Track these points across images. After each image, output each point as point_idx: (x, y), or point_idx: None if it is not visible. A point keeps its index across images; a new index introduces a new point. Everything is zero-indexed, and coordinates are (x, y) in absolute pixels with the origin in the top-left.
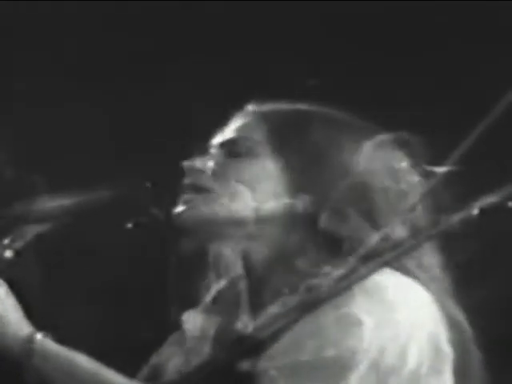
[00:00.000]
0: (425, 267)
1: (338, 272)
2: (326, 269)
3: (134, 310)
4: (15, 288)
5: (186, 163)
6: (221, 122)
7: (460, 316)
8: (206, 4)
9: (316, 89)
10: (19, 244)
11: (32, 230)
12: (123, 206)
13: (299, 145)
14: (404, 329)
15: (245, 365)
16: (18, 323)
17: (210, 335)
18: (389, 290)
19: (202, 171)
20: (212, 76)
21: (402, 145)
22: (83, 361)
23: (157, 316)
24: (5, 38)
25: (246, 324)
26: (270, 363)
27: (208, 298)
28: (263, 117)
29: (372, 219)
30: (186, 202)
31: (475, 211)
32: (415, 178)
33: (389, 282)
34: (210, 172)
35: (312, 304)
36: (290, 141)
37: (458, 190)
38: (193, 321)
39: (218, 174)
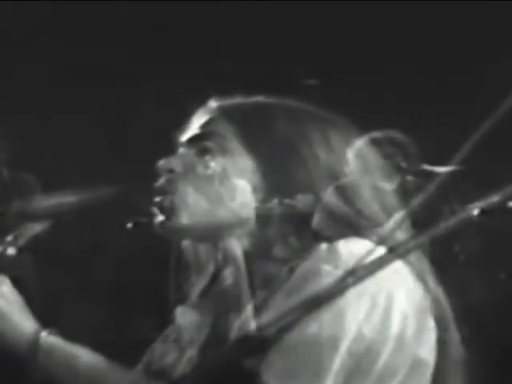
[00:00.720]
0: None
1: (339, 271)
2: (303, 254)
3: (134, 309)
4: (18, 285)
5: (159, 164)
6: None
7: (441, 294)
8: (205, 4)
9: (315, 88)
10: (22, 241)
11: (34, 228)
12: (123, 205)
13: (268, 139)
14: (383, 296)
15: (248, 362)
16: (24, 320)
17: (204, 330)
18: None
19: (174, 171)
20: (211, 75)
21: (393, 143)
22: (88, 357)
23: (157, 315)
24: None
25: (247, 322)
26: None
27: (196, 292)
28: (228, 112)
29: (364, 220)
30: (162, 209)
31: (476, 211)
32: (408, 178)
33: (365, 251)
34: (182, 171)
35: (316, 302)
36: (258, 136)
37: (460, 189)
38: (185, 315)
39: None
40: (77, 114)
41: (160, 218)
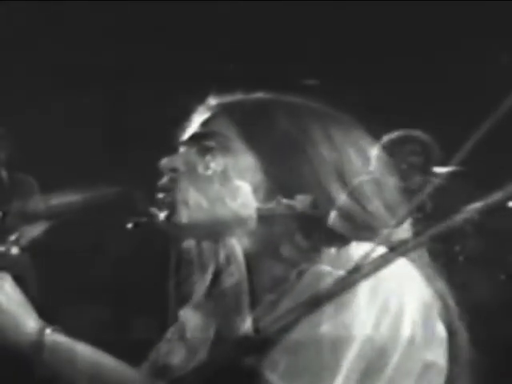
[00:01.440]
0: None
1: (342, 270)
2: (313, 255)
3: (134, 309)
4: (21, 283)
5: (161, 163)
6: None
7: (449, 296)
8: (203, 4)
9: (319, 89)
10: (25, 241)
11: (37, 228)
12: (123, 205)
13: (270, 136)
14: (394, 300)
15: (249, 362)
16: (27, 317)
17: (210, 330)
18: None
19: (176, 170)
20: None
21: (412, 142)
22: (93, 354)
23: (158, 315)
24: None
25: (247, 321)
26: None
27: (200, 293)
28: (228, 109)
29: (378, 219)
30: (166, 206)
31: (476, 212)
32: (422, 178)
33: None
34: (184, 170)
35: (317, 301)
36: (260, 133)
37: (461, 189)
38: (190, 317)
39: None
40: (76, 114)
41: (162, 214)
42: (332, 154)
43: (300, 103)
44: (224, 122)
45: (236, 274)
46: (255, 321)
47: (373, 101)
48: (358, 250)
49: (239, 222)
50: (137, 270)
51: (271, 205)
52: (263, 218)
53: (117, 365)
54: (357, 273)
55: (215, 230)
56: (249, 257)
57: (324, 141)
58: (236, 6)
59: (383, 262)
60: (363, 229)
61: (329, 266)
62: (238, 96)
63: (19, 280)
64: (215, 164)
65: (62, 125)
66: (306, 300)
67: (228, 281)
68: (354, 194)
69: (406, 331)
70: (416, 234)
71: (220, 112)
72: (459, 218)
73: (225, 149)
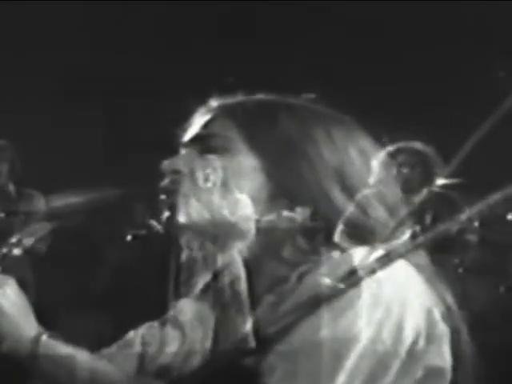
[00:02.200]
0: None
1: (342, 284)
2: (314, 257)
3: (133, 316)
4: (23, 286)
5: (163, 164)
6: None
7: (452, 302)
8: (202, 4)
9: (319, 93)
10: (28, 242)
11: (41, 229)
12: (123, 214)
13: (272, 137)
14: (397, 305)
15: (248, 363)
16: (26, 323)
17: (209, 323)
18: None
19: (178, 172)
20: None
21: (414, 154)
22: (91, 361)
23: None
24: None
25: (247, 322)
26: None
27: (198, 287)
28: (229, 111)
29: (379, 232)
30: (168, 207)
31: (476, 222)
32: (425, 189)
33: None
34: (186, 172)
35: (317, 301)
36: (261, 134)
37: (461, 195)
38: (186, 309)
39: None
40: (76, 118)
41: (165, 214)
42: (333, 155)
43: (301, 104)
44: (225, 124)
45: (234, 274)
46: (255, 322)
47: (371, 107)
48: (361, 255)
49: (238, 234)
50: (136, 278)
51: (271, 217)
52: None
53: (114, 370)
54: (356, 285)
55: (215, 236)
56: (249, 258)
57: (325, 142)
58: (235, 7)
59: (381, 265)
60: (369, 241)
61: (328, 278)
62: (238, 97)
63: (19, 283)
64: (215, 176)
65: (63, 131)
66: (305, 301)
67: (227, 280)
68: (360, 209)
69: (408, 338)
70: (415, 236)
71: (221, 113)
72: (457, 220)
73: (226, 150)
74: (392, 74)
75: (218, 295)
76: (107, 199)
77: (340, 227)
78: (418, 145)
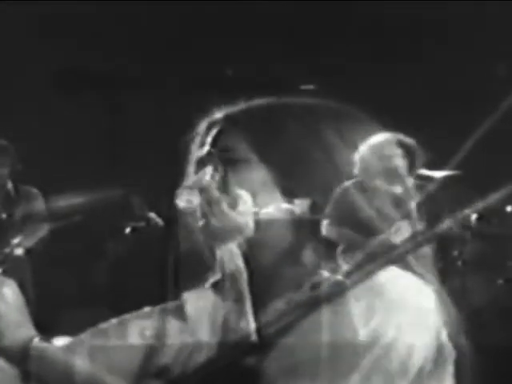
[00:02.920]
0: (419, 256)
1: (341, 273)
2: (328, 265)
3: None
4: (23, 285)
5: (191, 183)
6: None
7: (452, 307)
8: (201, 7)
9: (318, 91)
10: (29, 242)
11: (42, 229)
12: (122, 209)
13: (279, 143)
14: (409, 328)
15: (250, 361)
16: (19, 325)
17: (213, 319)
18: (392, 290)
19: (204, 189)
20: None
21: (397, 146)
22: (79, 364)
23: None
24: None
25: (249, 321)
26: (271, 363)
27: (207, 284)
28: (235, 121)
29: (369, 224)
30: (202, 216)
31: (473, 216)
32: (411, 182)
33: (392, 280)
34: (215, 183)
35: (316, 301)
36: (268, 140)
37: (459, 192)
38: (193, 301)
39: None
40: (76, 118)
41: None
42: (342, 155)
43: (303, 104)
44: (233, 135)
45: (235, 269)
46: (258, 324)
47: (370, 105)
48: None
49: (238, 229)
50: (135, 274)
51: (270, 209)
52: (289, 222)
53: (103, 374)
54: (355, 275)
55: (223, 235)
56: (272, 260)
57: (335, 142)
58: (234, 8)
59: (381, 264)
60: (355, 235)
61: (359, 310)
62: (240, 105)
63: (19, 282)
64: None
65: (64, 131)
66: (304, 301)
67: (228, 275)
68: (341, 202)
69: (417, 359)
70: (413, 237)
71: (227, 125)
72: (455, 222)
73: (237, 161)
74: (392, 74)
75: (219, 289)
76: (107, 200)
77: (325, 221)
78: (400, 136)
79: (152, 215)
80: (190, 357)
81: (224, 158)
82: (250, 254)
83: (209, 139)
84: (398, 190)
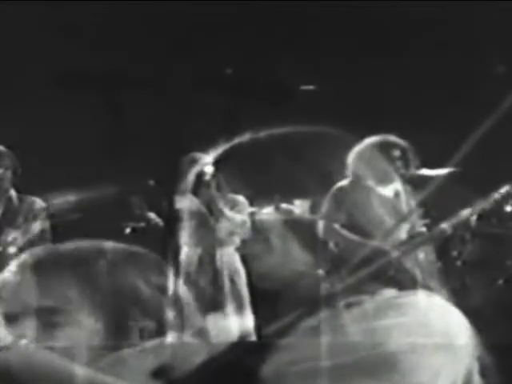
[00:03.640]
0: (420, 264)
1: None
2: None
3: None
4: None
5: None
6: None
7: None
8: (200, 8)
9: (312, 94)
10: (22, 240)
11: (36, 227)
12: (120, 209)
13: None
14: (439, 355)
15: (249, 361)
16: (4, 329)
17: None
18: (430, 314)
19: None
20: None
21: (390, 148)
22: (62, 367)
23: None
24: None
25: (249, 323)
26: (290, 368)
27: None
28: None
29: (364, 227)
30: None
31: (473, 216)
32: (406, 183)
33: (424, 304)
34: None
35: (314, 303)
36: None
37: (457, 192)
38: (215, 322)
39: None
40: (76, 118)
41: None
42: (347, 171)
43: (287, 134)
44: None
45: (233, 271)
46: (258, 324)
47: (369, 105)
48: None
49: (234, 228)
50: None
51: (270, 209)
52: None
53: (94, 376)
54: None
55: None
56: (255, 260)
57: (318, 161)
58: (233, 11)
59: (382, 265)
60: (353, 236)
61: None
62: (222, 147)
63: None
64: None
65: (64, 131)
66: (306, 302)
67: (226, 276)
68: (336, 202)
69: None
70: (411, 238)
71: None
72: (454, 222)
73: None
74: (391, 74)
75: (218, 292)
76: (104, 197)
77: (321, 223)
78: (393, 138)
79: (152, 215)
80: (190, 357)
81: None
82: (248, 255)
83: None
84: (391, 191)
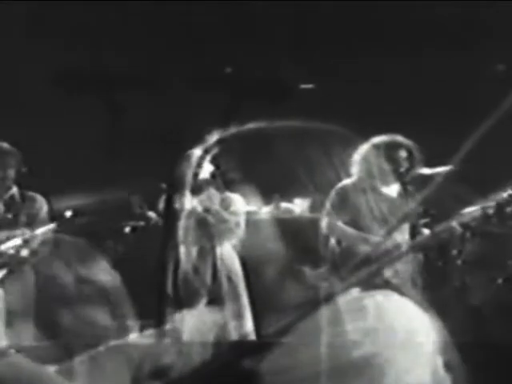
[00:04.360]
0: (399, 273)
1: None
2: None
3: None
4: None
5: (204, 203)
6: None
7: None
8: (200, 8)
9: (313, 93)
10: (34, 244)
11: (46, 232)
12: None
13: (267, 163)
14: (404, 353)
15: (247, 364)
16: None
17: (210, 335)
18: (390, 315)
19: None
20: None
21: (396, 148)
22: (48, 376)
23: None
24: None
25: (247, 325)
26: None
27: (203, 297)
28: (228, 146)
29: (363, 225)
30: None
31: (487, 214)
32: (409, 182)
33: (389, 305)
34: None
35: (314, 305)
36: (257, 161)
37: (457, 191)
38: (187, 320)
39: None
40: (76, 118)
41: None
42: (351, 170)
43: (295, 127)
44: (227, 159)
45: (230, 270)
46: (257, 324)
47: (370, 104)
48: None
49: (231, 227)
50: (135, 274)
51: (269, 208)
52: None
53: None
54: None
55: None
56: (253, 260)
57: (322, 159)
58: (233, 11)
59: (374, 271)
60: (357, 233)
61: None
62: (232, 130)
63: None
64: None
65: (64, 131)
66: (306, 302)
67: (224, 277)
68: (339, 200)
69: None
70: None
71: (220, 149)
72: (449, 228)
73: (230, 181)
74: (391, 75)
75: (216, 292)
76: (107, 199)
77: (324, 220)
78: (400, 138)
79: (152, 214)
80: (190, 357)
81: (221, 181)
82: (246, 254)
83: (206, 165)
84: (395, 191)
